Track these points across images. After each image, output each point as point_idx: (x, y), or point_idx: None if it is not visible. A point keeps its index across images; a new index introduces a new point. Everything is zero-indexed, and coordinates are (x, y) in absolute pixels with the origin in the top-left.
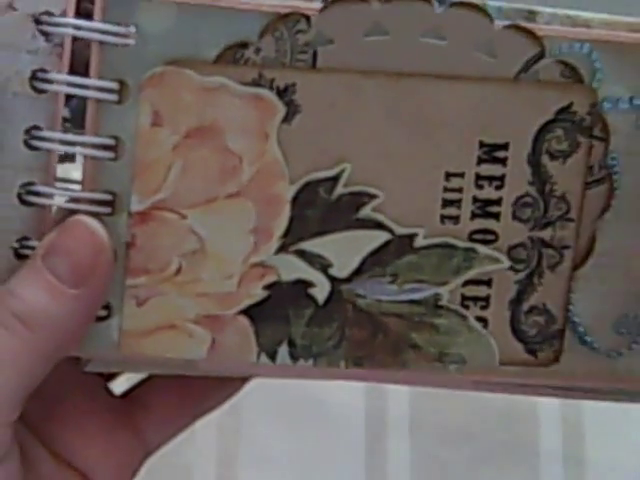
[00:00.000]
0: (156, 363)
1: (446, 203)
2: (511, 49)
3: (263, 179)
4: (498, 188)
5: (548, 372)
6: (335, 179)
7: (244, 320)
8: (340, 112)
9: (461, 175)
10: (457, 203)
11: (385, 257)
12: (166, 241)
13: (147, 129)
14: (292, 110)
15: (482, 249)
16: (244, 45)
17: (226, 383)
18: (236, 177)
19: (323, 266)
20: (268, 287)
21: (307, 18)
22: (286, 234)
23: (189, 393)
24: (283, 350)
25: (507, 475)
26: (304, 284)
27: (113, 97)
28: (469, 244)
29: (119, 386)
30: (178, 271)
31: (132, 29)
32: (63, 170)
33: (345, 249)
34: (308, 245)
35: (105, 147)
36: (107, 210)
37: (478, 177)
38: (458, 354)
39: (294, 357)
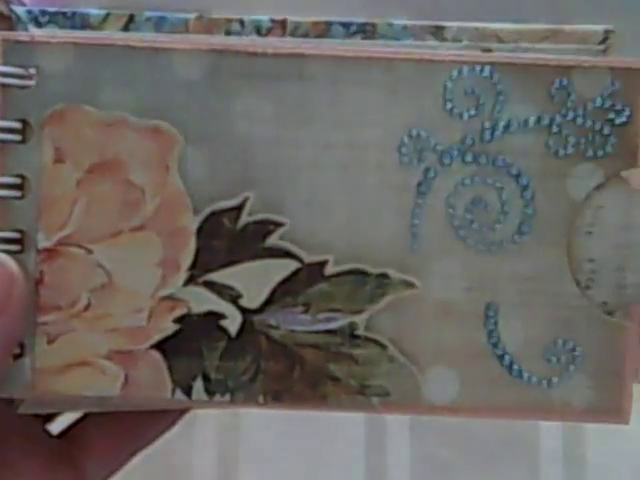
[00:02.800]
0: (73, 401)
1: None
2: None
3: (167, 211)
4: None
5: (478, 405)
6: (239, 208)
7: (156, 355)
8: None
9: None
10: None
11: (296, 286)
12: (74, 277)
13: (50, 166)
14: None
15: (395, 274)
16: None
17: (163, 416)
18: (140, 210)
19: (233, 297)
20: (178, 320)
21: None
22: (194, 266)
23: (125, 428)
24: (198, 385)
25: (507, 475)
26: (215, 316)
27: (16, 137)
28: (381, 270)
29: (60, 425)
30: (87, 307)
31: (32, 71)
32: None
33: (254, 279)
34: (216, 276)
35: (11, 186)
36: (16, 248)
37: None
38: (380, 386)
39: (210, 392)
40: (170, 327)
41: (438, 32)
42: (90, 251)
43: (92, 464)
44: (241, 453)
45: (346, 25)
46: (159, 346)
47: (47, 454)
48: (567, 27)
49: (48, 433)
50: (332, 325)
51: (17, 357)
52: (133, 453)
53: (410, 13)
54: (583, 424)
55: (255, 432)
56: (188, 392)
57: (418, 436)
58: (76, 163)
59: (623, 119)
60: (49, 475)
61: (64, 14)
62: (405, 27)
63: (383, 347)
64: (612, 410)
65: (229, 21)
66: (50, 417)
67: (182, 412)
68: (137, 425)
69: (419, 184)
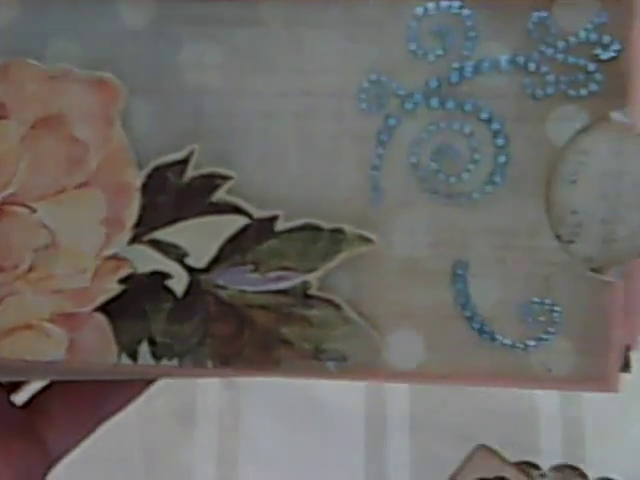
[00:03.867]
0: (19, 367)
1: None
2: None
3: (111, 166)
4: None
5: (445, 371)
6: (184, 162)
7: (101, 317)
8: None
9: None
10: None
11: (244, 243)
12: (18, 237)
13: None
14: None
15: (350, 229)
16: None
17: (126, 385)
18: (84, 166)
19: (179, 256)
20: (123, 280)
21: None
22: (138, 223)
23: (88, 398)
24: (144, 349)
25: None
26: (161, 276)
27: None
28: (336, 225)
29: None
30: (31, 268)
31: None
32: None
33: (201, 237)
34: (162, 234)
35: None
36: None
37: None
38: (336, 350)
39: (156, 356)
40: (115, 288)
41: None
42: (34, 210)
43: (54, 435)
44: (241, 453)
45: None
46: (104, 308)
47: (10, 424)
48: None
49: (12, 404)
50: (283, 284)
51: None
52: (95, 425)
53: None
54: (583, 424)
55: (255, 432)
56: (134, 356)
57: (418, 436)
58: (20, 119)
59: (611, 54)
60: (13, 444)
61: None
62: None
63: (338, 308)
64: (597, 377)
65: None
66: (15, 388)
67: (149, 382)
68: (100, 395)
69: (379, 132)
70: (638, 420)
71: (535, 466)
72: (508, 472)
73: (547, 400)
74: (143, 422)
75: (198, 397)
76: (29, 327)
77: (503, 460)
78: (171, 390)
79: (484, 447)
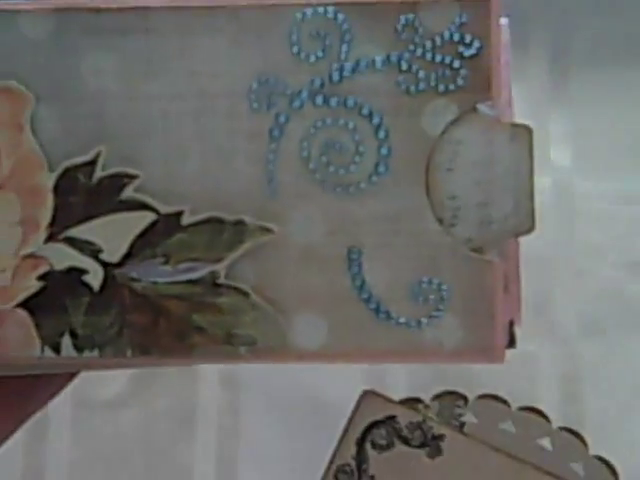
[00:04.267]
0: None
1: None
2: None
3: (23, 170)
4: None
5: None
6: (92, 163)
7: (23, 313)
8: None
9: None
10: None
11: (154, 238)
12: None
13: None
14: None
15: (251, 220)
16: None
17: (50, 380)
18: None
19: (93, 252)
20: (42, 277)
21: None
22: (53, 223)
23: (11, 395)
24: (66, 341)
25: None
26: (77, 272)
27: None
28: (237, 217)
29: None
30: None
31: None
32: None
33: (113, 233)
34: (76, 232)
35: None
36: None
37: None
38: (247, 335)
39: (78, 348)
40: (34, 285)
41: None
42: None
43: None
44: (241, 453)
45: None
46: (25, 304)
47: None
48: None
49: None
50: (193, 275)
51: None
52: (17, 424)
53: None
54: (583, 424)
55: (255, 432)
56: (57, 348)
57: None
58: None
59: (473, 51)
60: None
61: None
62: None
63: (246, 295)
64: (484, 349)
65: None
66: None
67: (71, 375)
68: (20, 393)
69: (271, 129)
70: (638, 420)
71: (419, 400)
72: (396, 410)
73: (547, 399)
74: (143, 422)
75: (198, 397)
76: None
77: (389, 400)
78: (171, 390)
79: (369, 392)
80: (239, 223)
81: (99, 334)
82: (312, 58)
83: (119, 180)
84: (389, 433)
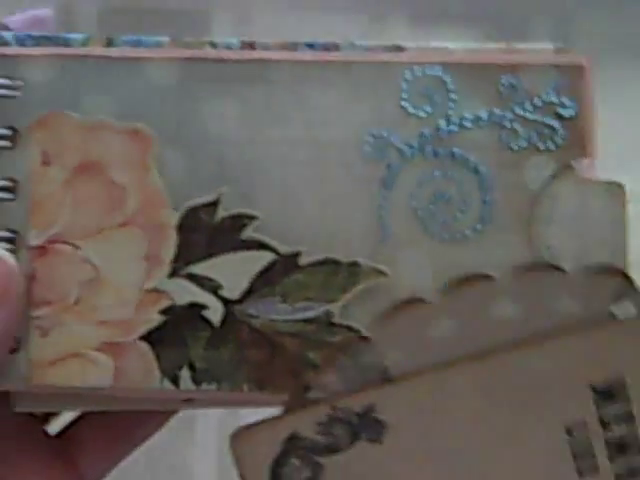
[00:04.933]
0: (66, 397)
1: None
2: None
3: (148, 208)
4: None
5: None
6: (215, 203)
7: (144, 346)
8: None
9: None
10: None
11: (273, 277)
12: (63, 272)
13: (38, 169)
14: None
15: (365, 263)
16: None
17: (152, 415)
18: (122, 208)
19: (214, 288)
20: (164, 312)
21: None
22: (176, 259)
23: (119, 427)
24: (185, 374)
25: None
26: (198, 307)
27: (6, 143)
28: (352, 259)
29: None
30: (77, 300)
31: (19, 82)
32: None
33: (233, 270)
34: (197, 268)
35: (3, 189)
36: (10, 247)
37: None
38: None
39: (196, 381)
40: (156, 318)
41: (398, 50)
42: (78, 247)
43: (86, 462)
44: None
45: (311, 45)
46: (146, 337)
47: (45, 453)
48: (520, 45)
49: (46, 434)
50: (309, 314)
51: (13, 351)
52: (126, 452)
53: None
54: None
55: None
56: (175, 381)
57: None
58: (62, 165)
59: (571, 112)
60: (43, 472)
61: (48, 38)
62: (367, 47)
63: (359, 333)
64: None
65: (202, 43)
66: (47, 419)
67: (171, 412)
68: (128, 425)
69: (383, 178)
70: None
71: None
72: (290, 423)
73: None
74: None
75: None
76: (76, 355)
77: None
78: None
79: (240, 431)
80: (354, 265)
81: (217, 368)
82: (421, 113)
83: (240, 220)
84: (304, 457)
